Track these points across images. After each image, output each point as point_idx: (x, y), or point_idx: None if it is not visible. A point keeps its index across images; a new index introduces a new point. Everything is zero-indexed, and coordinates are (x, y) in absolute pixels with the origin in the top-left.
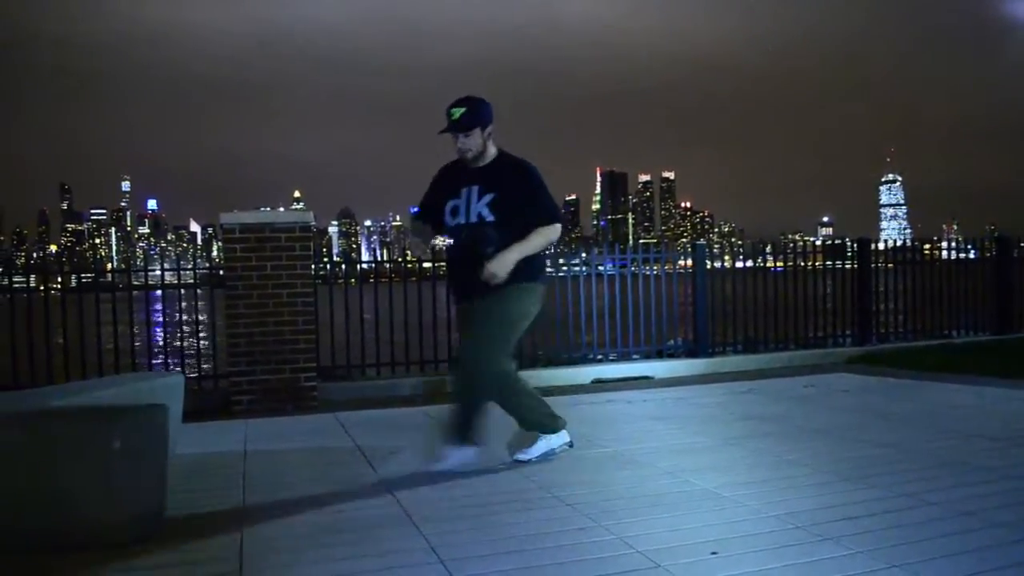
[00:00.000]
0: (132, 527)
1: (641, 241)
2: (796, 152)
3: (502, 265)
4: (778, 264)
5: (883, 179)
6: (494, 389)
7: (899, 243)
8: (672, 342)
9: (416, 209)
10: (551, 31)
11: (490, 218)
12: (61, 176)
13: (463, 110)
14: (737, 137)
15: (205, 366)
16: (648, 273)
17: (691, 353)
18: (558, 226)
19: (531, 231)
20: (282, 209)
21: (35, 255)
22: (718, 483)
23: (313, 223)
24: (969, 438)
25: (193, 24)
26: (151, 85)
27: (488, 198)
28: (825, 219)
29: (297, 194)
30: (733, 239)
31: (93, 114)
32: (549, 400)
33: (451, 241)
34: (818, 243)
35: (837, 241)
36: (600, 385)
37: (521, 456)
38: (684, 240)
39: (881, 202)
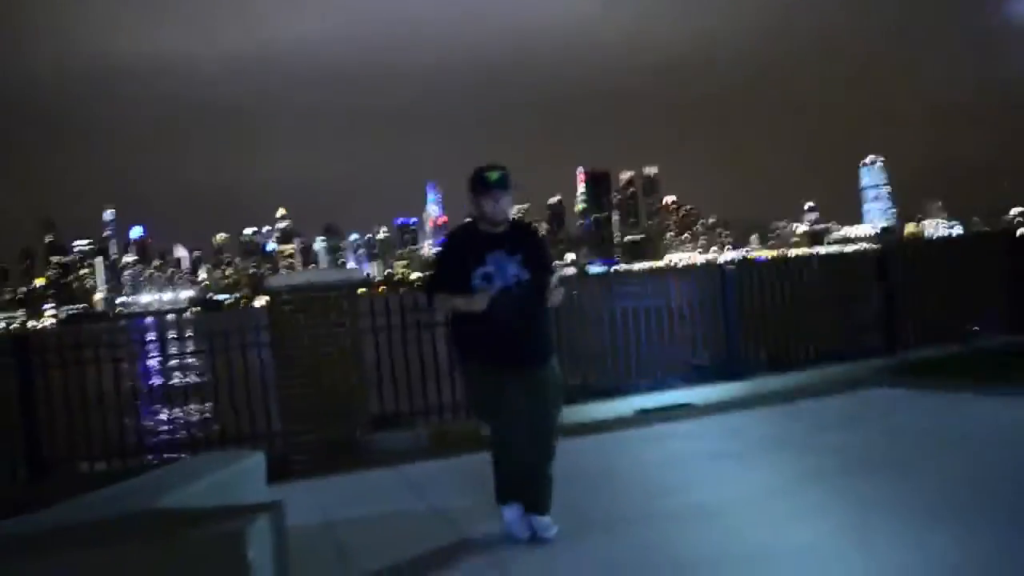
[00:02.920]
0: None
1: (627, 238)
2: (777, 142)
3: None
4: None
5: (863, 161)
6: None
7: (883, 226)
8: (700, 358)
9: (430, 291)
10: (524, 34)
11: (525, 277)
12: (43, 212)
13: (500, 173)
14: (718, 132)
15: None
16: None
17: (726, 375)
18: None
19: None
20: (327, 266)
21: (20, 289)
22: (813, 534)
23: (360, 278)
24: None
25: (169, 52)
26: (129, 115)
27: (517, 258)
28: (809, 204)
29: (281, 211)
30: (719, 231)
31: (71, 148)
32: (599, 437)
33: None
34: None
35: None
36: (644, 417)
37: (549, 534)
38: (671, 235)
39: (863, 184)
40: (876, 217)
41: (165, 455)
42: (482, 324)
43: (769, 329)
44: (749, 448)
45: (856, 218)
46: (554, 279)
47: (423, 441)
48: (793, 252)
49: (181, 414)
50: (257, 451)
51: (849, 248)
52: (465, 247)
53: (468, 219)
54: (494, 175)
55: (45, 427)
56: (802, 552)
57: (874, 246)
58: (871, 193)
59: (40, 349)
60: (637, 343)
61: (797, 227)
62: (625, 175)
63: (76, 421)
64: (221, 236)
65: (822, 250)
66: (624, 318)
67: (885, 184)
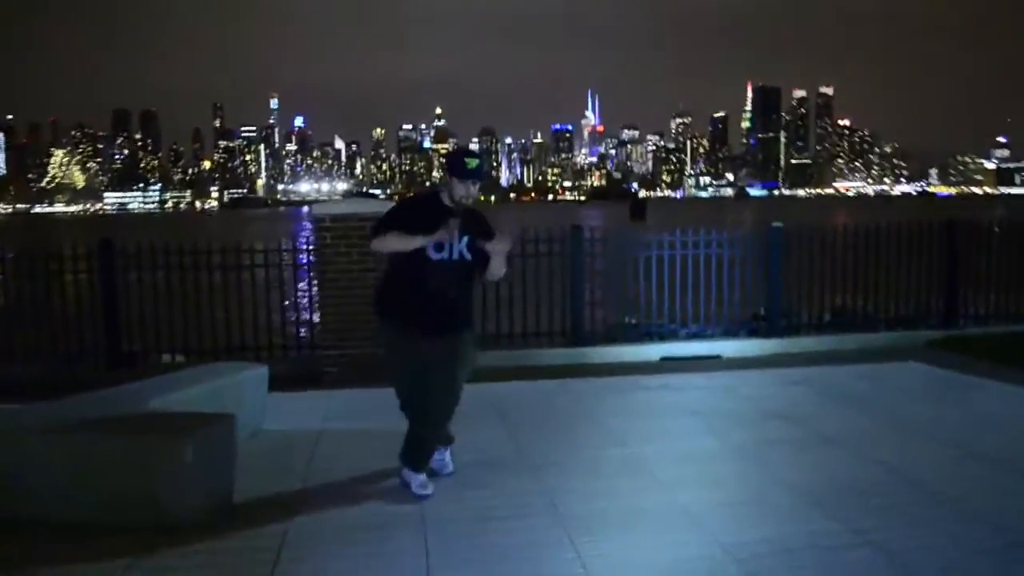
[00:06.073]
0: (202, 515)
1: (793, 162)
2: (972, 68)
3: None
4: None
5: None
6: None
7: None
8: (759, 312)
9: (377, 230)
10: None
11: (468, 258)
12: (214, 96)
13: (478, 162)
14: (907, 51)
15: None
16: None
17: (766, 332)
18: None
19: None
20: (379, 193)
21: (191, 170)
22: (700, 501)
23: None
24: (997, 464)
25: None
26: (294, 5)
27: (466, 240)
28: (1001, 139)
29: (439, 111)
30: (895, 161)
31: (242, 35)
32: (612, 380)
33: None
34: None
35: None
36: (666, 364)
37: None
38: (840, 161)
39: None
40: None
41: (225, 354)
42: (412, 291)
43: (825, 290)
44: (726, 407)
45: None
46: (494, 264)
47: None
48: (976, 190)
49: (253, 319)
50: (262, 364)
51: None
52: (427, 213)
53: (434, 190)
54: (473, 163)
55: (124, 322)
56: (670, 515)
57: None
58: None
59: (125, 254)
60: (683, 291)
61: (984, 163)
62: (798, 93)
63: (159, 318)
64: (379, 131)
65: (1014, 191)
66: (673, 266)
67: None
